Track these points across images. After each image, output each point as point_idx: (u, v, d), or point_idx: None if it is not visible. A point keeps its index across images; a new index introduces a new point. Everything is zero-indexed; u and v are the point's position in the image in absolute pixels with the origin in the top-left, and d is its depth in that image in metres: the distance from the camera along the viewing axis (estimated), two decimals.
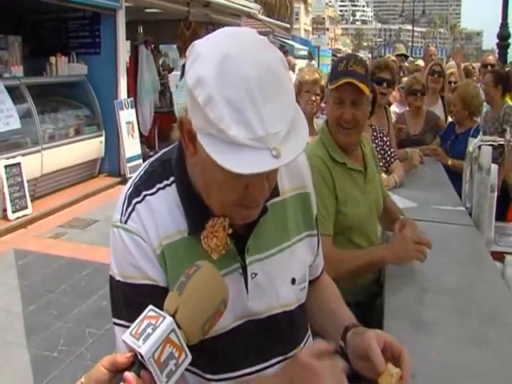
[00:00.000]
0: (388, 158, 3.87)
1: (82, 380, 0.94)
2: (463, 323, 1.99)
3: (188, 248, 1.10)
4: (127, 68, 9.99)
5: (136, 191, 1.17)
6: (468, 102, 4.82)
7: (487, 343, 1.85)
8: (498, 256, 3.11)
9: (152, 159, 1.27)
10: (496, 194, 3.26)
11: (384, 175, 3.56)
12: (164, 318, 0.93)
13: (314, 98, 4.07)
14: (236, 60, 0.97)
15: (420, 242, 2.24)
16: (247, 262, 1.20)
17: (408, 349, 1.75)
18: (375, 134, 3.84)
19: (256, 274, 1.21)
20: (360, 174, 2.50)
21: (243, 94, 0.95)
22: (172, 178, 1.19)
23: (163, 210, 1.15)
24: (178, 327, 0.94)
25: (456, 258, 2.59)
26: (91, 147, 8.86)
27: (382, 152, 3.84)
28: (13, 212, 6.93)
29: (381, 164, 3.74)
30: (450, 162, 4.65)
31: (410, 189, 3.75)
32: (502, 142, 4.12)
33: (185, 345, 0.95)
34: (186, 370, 1.21)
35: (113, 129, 9.04)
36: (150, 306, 0.95)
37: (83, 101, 9.03)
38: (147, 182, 1.18)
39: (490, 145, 3.40)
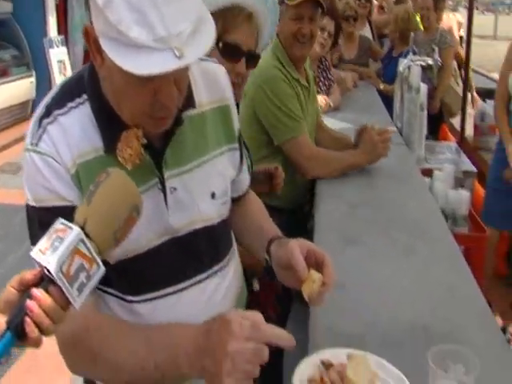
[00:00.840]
0: (327, 83, 3.91)
1: None
2: (391, 236, 2.05)
3: (104, 166, 1.08)
4: (56, 4, 9.53)
5: (47, 112, 1.13)
6: (401, 25, 4.87)
7: (414, 254, 1.92)
8: (428, 173, 3.20)
9: (64, 79, 1.23)
10: (425, 113, 3.32)
11: (320, 97, 3.61)
12: (71, 229, 0.90)
13: None
14: None
15: (385, 139, 2.58)
16: (165, 176, 1.18)
17: (338, 260, 1.82)
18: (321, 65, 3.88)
19: (175, 189, 1.19)
20: (306, 92, 2.63)
21: None
22: (85, 96, 1.15)
23: (76, 128, 1.12)
24: (88, 238, 0.91)
25: (386, 175, 2.64)
26: (21, 89, 8.47)
27: (324, 76, 3.88)
28: None
29: (324, 89, 3.81)
30: (381, 87, 4.71)
31: (345, 112, 3.83)
32: (430, 62, 4.17)
33: (96, 256, 0.92)
34: (106, 292, 1.21)
35: (43, 69, 8.65)
36: (59, 219, 0.92)
37: (9, 40, 8.58)
38: (59, 103, 1.14)
39: (420, 65, 3.44)
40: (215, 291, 1.30)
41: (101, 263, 0.92)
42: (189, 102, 1.22)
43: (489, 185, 3.73)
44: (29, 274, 0.87)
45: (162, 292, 1.23)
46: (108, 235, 0.94)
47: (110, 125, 1.13)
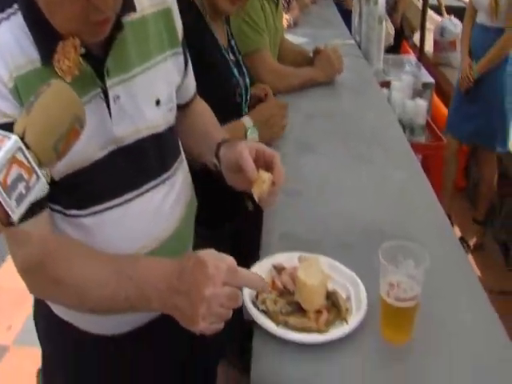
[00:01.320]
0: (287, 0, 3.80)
1: None
2: (348, 145, 2.03)
3: (43, 79, 1.01)
4: None
5: None
6: None
7: (371, 162, 1.91)
8: (387, 85, 3.17)
9: None
10: (384, 25, 3.25)
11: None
12: (9, 137, 0.85)
13: None
14: None
15: (338, 56, 2.60)
16: (108, 84, 1.12)
17: (294, 168, 1.81)
18: None
19: (118, 97, 1.13)
20: (274, 7, 2.56)
21: None
22: (16, 6, 1.06)
23: (10, 40, 1.04)
24: (28, 148, 0.87)
25: (344, 88, 2.61)
26: None
27: None
28: None
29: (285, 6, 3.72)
30: None
31: (304, 27, 3.74)
32: None
33: (35, 166, 0.88)
34: (53, 210, 1.16)
35: None
36: None
37: None
38: None
39: None
40: (163, 201, 1.26)
41: (41, 174, 0.88)
42: (128, 5, 1.14)
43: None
44: None
45: (108, 204, 1.19)
46: (48, 146, 0.90)
47: (45, 35, 1.05)
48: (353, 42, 3.41)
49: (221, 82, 1.79)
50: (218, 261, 0.98)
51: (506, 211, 3.81)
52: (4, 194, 0.83)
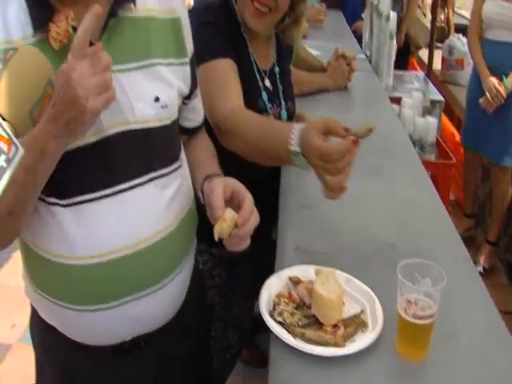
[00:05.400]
0: None
1: None
2: (358, 157, 2.04)
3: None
4: None
5: None
6: None
7: (381, 174, 1.93)
8: (396, 102, 3.19)
9: None
10: (394, 41, 3.28)
11: None
12: None
13: None
14: None
15: (350, 63, 2.68)
16: None
17: (305, 181, 1.82)
18: None
19: None
20: None
21: None
22: None
23: (10, 13, 1.07)
24: (3, 119, 0.84)
25: (355, 101, 2.65)
26: None
27: None
28: None
29: None
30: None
31: (315, 40, 3.76)
32: None
33: (13, 137, 0.84)
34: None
35: None
36: None
37: None
38: None
39: None
40: (147, 202, 1.22)
41: (19, 145, 0.85)
42: None
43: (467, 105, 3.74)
44: None
45: (87, 196, 1.16)
46: (24, 114, 0.89)
47: (41, 8, 1.09)
48: (363, 56, 3.43)
49: (244, 100, 1.74)
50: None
51: None
52: None
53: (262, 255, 1.90)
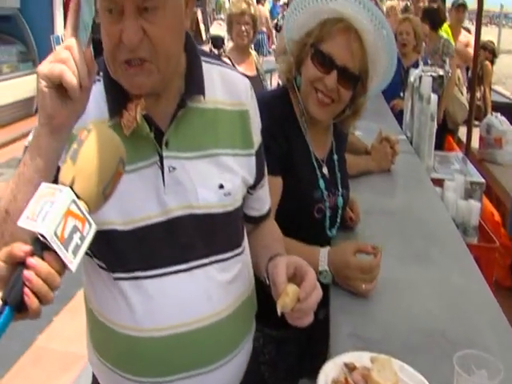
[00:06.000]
0: None
1: None
2: (405, 242, 2.08)
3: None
4: (64, 1, 9.56)
5: None
6: (418, 34, 4.92)
7: (428, 260, 1.95)
8: (437, 183, 3.23)
9: None
10: (435, 122, 3.36)
11: None
12: (60, 190, 0.87)
13: (243, 28, 4.10)
14: None
15: (393, 146, 2.72)
16: (165, 154, 1.22)
17: None
18: None
19: (174, 168, 1.22)
20: None
21: None
22: (101, 73, 1.23)
23: (91, 101, 1.17)
24: (78, 197, 0.89)
25: (398, 183, 2.69)
26: (27, 84, 8.44)
27: None
28: None
29: None
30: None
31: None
32: (441, 73, 4.21)
33: (87, 214, 0.89)
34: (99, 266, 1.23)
35: None
36: (43, 184, 0.89)
37: (17, 36, 8.65)
38: None
39: (431, 75, 3.48)
40: (205, 284, 1.27)
41: (92, 221, 0.89)
42: (196, 87, 1.26)
43: None
44: (19, 251, 0.84)
45: (148, 273, 1.23)
46: (98, 192, 0.92)
47: (116, 96, 1.21)
48: (404, 137, 3.50)
49: (300, 190, 1.82)
50: None
51: None
52: (62, 248, 0.84)
53: (308, 335, 1.93)
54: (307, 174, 1.84)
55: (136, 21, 1.09)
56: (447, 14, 6.26)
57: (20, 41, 8.67)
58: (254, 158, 1.36)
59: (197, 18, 18.72)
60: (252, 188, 1.41)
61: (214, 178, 1.27)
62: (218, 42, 11.60)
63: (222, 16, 16.09)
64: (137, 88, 1.17)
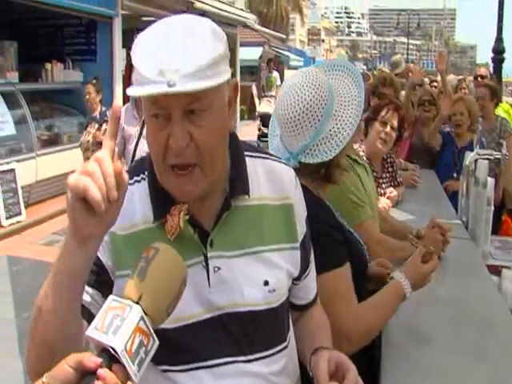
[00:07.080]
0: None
1: (44, 380, 0.89)
2: (460, 334, 1.99)
3: (150, 236, 1.18)
4: (123, 76, 9.98)
5: None
6: (473, 113, 4.89)
7: (484, 354, 1.85)
8: (494, 269, 3.11)
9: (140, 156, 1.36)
10: (492, 207, 3.27)
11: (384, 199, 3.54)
12: (131, 307, 0.92)
13: None
14: (163, 22, 1.15)
15: (444, 234, 2.62)
16: (209, 255, 1.23)
17: (408, 358, 1.78)
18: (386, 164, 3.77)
19: (219, 268, 1.23)
20: (363, 170, 2.63)
21: (152, 38, 1.12)
22: (146, 173, 1.26)
23: (135, 198, 1.24)
24: (145, 314, 0.93)
25: (452, 271, 2.59)
26: None
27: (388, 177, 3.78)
28: (6, 218, 6.91)
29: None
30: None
31: (407, 202, 3.75)
32: (498, 156, 4.13)
33: (152, 330, 0.93)
34: None
35: None
36: (112, 296, 0.94)
37: (78, 108, 8.99)
38: (129, 175, 1.22)
39: (487, 158, 3.41)
40: (249, 380, 1.27)
41: (156, 337, 0.94)
42: (239, 187, 1.27)
43: None
44: (91, 362, 0.87)
45: (192, 365, 1.24)
46: (163, 309, 0.96)
47: (160, 199, 1.23)
48: (459, 222, 3.41)
49: (353, 259, 1.82)
50: None
51: None
52: (130, 362, 0.88)
53: None
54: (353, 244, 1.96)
55: (183, 125, 1.12)
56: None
57: (81, 113, 8.99)
58: (298, 252, 1.36)
59: (252, 93, 19.21)
60: (297, 279, 1.39)
61: (259, 275, 1.27)
62: (266, 120, 11.81)
63: (273, 93, 16.31)
64: (185, 196, 1.20)
